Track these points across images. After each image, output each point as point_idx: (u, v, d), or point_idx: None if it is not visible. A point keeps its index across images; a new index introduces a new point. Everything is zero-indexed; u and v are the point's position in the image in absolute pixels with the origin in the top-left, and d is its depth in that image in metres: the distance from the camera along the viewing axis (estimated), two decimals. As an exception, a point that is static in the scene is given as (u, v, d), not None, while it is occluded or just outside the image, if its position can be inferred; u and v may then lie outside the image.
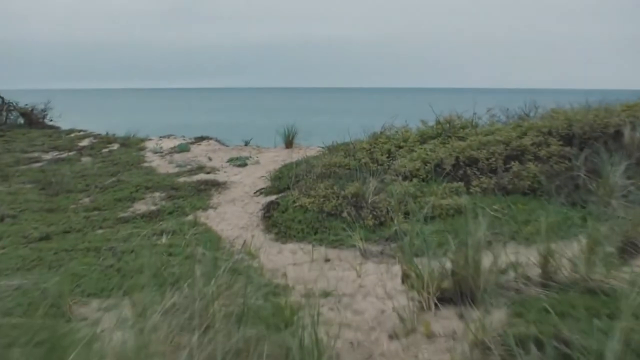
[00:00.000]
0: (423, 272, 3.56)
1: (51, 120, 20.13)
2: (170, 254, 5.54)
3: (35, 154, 12.86)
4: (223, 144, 13.11)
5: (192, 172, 9.87)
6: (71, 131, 17.09)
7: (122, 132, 14.81)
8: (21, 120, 19.47)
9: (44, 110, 19.88)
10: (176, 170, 10.29)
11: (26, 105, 19.67)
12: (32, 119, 19.37)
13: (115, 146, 13.88)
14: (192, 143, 13.14)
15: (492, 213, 5.52)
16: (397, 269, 4.39)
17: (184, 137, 14.27)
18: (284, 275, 4.78)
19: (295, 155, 10.45)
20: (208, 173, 9.70)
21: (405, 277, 3.94)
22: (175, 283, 2.87)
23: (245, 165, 10.10)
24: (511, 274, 3.80)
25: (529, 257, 3.85)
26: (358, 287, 4.41)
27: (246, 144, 12.53)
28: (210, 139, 13.54)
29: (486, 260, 3.54)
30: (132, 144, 13.73)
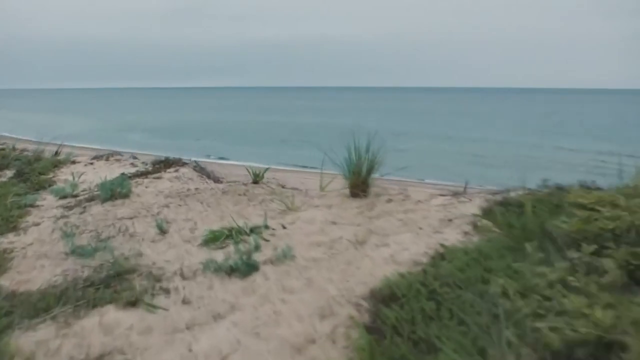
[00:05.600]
0: None
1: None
2: None
3: None
4: (205, 175, 6.41)
5: (88, 288, 3.20)
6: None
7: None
8: None
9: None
10: (60, 268, 3.66)
11: None
12: None
13: (8, 174, 7.29)
14: (145, 175, 6.46)
15: None
16: None
17: (134, 159, 7.56)
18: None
19: (386, 227, 3.81)
20: (132, 304, 3.02)
21: None
22: None
23: (252, 269, 3.37)
24: None
25: None
26: None
27: (256, 180, 5.79)
28: (185, 163, 6.86)
29: None
30: (33, 171, 7.11)
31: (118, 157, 7.67)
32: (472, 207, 3.98)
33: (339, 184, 5.14)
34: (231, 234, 3.98)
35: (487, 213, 3.58)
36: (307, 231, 4.03)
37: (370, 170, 4.57)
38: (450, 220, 3.77)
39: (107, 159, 7.58)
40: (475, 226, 3.49)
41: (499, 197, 3.89)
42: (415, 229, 3.75)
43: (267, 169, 5.71)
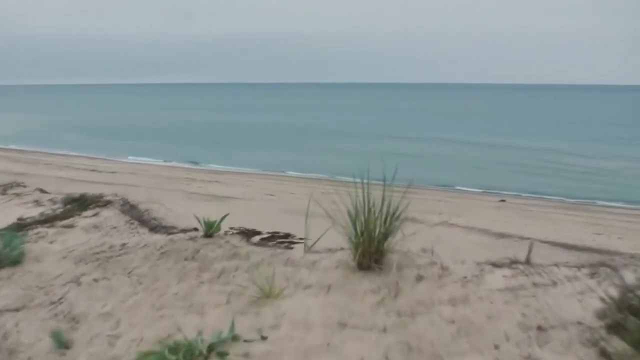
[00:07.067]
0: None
1: None
2: None
3: None
4: (136, 219, 4.70)
5: None
6: None
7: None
8: None
9: None
10: None
11: None
12: None
13: None
14: (52, 221, 4.64)
15: None
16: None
17: (41, 192, 5.65)
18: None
19: (433, 339, 2.32)
20: None
21: None
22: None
23: None
24: None
25: None
26: None
27: (209, 232, 4.11)
28: (109, 201, 5.07)
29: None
30: None
31: (19, 189, 5.73)
32: (563, 297, 2.55)
33: (334, 236, 3.51)
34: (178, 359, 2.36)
35: (612, 324, 2.15)
36: (301, 346, 2.47)
37: (387, 233, 3.04)
38: (542, 329, 2.31)
39: (3, 193, 5.66)
40: (601, 351, 2.06)
41: (605, 282, 2.49)
42: (487, 347, 2.28)
43: (225, 216, 4.08)
